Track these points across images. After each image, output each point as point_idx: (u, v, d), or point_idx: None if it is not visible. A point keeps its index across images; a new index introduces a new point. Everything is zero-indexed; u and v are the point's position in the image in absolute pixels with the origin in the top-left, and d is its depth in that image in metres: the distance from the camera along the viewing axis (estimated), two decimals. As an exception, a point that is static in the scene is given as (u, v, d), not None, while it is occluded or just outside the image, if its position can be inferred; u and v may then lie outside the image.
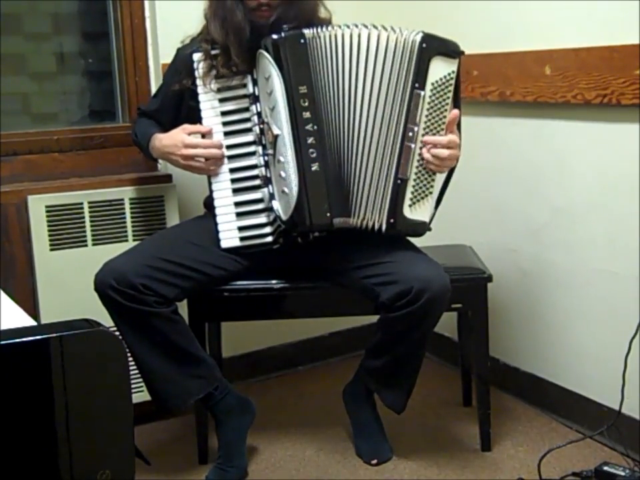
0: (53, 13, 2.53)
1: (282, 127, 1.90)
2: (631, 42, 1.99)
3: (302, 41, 1.88)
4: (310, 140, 1.90)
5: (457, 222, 2.66)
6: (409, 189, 1.92)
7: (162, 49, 2.43)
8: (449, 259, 2.24)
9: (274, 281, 2.10)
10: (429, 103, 1.89)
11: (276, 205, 1.96)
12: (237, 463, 2.10)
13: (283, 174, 1.92)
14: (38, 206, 2.23)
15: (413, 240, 2.11)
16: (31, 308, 2.24)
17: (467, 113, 2.56)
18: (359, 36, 1.89)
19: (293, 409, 2.54)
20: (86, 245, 2.29)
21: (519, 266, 2.46)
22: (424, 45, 1.87)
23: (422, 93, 1.88)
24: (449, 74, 1.89)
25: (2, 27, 2.36)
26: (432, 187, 1.94)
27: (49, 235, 2.25)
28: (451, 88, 1.90)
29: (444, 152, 1.90)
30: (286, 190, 1.92)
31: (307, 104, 1.89)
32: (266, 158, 1.98)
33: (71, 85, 2.61)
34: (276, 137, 1.91)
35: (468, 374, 2.45)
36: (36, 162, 2.38)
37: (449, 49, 1.89)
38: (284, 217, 1.94)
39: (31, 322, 1.18)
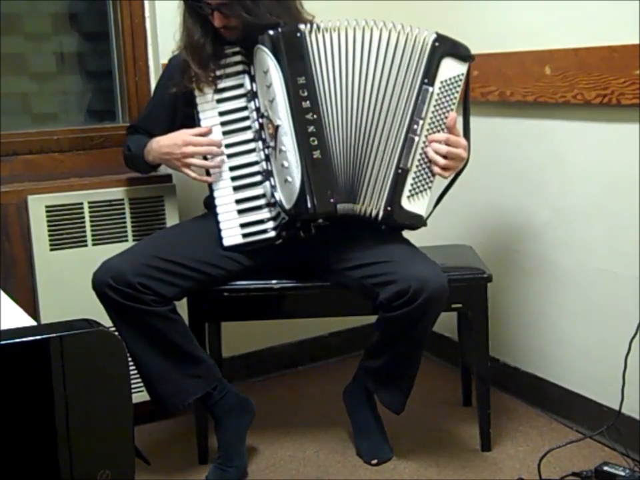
0: (53, 13, 2.53)
1: (282, 117, 1.91)
2: (631, 42, 1.99)
3: (298, 34, 1.92)
4: (310, 128, 1.92)
5: (457, 222, 2.66)
6: (409, 180, 1.95)
7: (162, 48, 2.43)
8: (449, 258, 2.24)
9: (274, 281, 2.10)
10: (436, 100, 1.94)
11: (278, 195, 1.96)
12: (236, 462, 2.10)
13: (285, 163, 1.92)
14: (38, 206, 2.23)
15: (413, 239, 2.11)
16: (31, 308, 2.24)
17: (467, 113, 2.57)
18: (371, 31, 1.94)
19: (292, 408, 2.54)
20: (86, 245, 2.29)
21: (520, 266, 2.46)
22: (437, 44, 1.94)
23: (430, 88, 1.94)
24: (458, 75, 1.95)
25: (2, 27, 2.36)
26: (431, 182, 1.97)
27: (49, 235, 2.24)
28: (459, 89, 1.96)
29: (443, 147, 1.94)
30: (289, 178, 1.92)
31: (305, 94, 1.91)
32: (266, 151, 1.99)
33: (70, 85, 2.61)
34: (277, 127, 1.92)
35: (468, 374, 2.45)
36: (36, 162, 2.38)
37: (460, 52, 1.96)
38: (287, 206, 1.94)
39: (31, 322, 1.18)
